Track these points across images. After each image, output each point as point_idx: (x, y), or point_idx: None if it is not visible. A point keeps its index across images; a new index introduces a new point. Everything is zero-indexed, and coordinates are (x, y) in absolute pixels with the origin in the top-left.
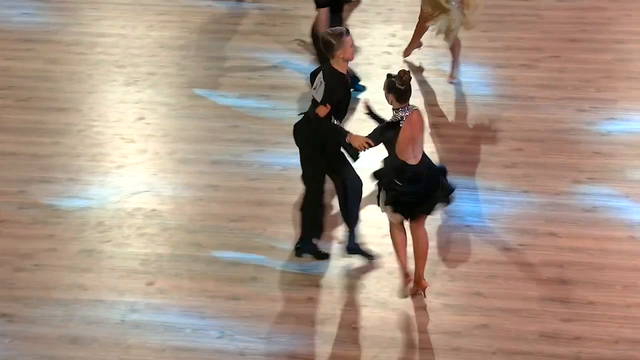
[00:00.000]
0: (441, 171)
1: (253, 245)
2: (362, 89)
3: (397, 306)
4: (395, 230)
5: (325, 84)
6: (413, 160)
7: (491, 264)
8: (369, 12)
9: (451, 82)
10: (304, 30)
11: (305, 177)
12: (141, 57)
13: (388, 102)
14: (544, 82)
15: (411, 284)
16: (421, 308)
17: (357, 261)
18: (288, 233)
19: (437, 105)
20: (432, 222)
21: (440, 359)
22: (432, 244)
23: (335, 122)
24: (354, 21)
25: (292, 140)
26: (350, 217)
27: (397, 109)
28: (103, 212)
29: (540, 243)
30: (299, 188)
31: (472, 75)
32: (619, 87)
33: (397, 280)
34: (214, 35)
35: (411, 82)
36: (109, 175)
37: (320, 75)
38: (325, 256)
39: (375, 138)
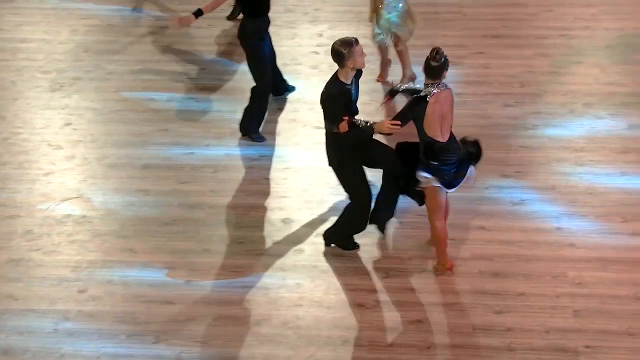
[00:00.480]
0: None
1: (187, 248)
2: (292, 88)
3: (331, 304)
4: (440, 220)
5: (321, 92)
6: (441, 137)
7: (423, 259)
8: (295, 13)
9: (379, 81)
10: (231, 32)
11: (346, 187)
12: (66, 62)
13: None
14: (470, 78)
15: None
16: (355, 305)
17: (290, 260)
18: (221, 235)
19: (365, 104)
20: None
21: (376, 356)
22: (365, 240)
23: (357, 124)
24: (281, 22)
25: (223, 141)
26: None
27: (428, 84)
28: (31, 220)
29: (471, 237)
30: (232, 189)
31: (399, 73)
32: (542, 81)
33: (331, 279)
34: (139, 38)
35: (446, 61)
36: (37, 182)
37: None
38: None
39: (404, 115)
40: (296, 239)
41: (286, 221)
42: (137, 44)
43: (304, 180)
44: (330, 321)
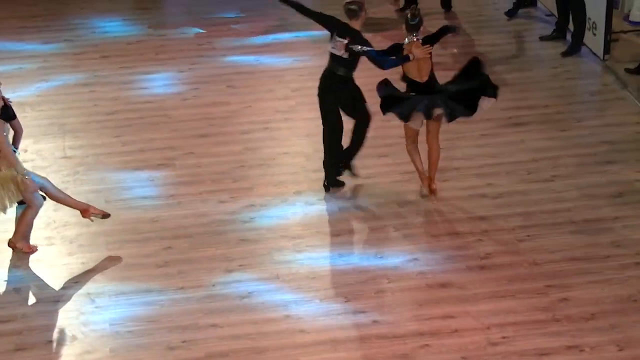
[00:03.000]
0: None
1: None
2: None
3: None
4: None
5: (351, 37)
6: (419, 79)
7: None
8: None
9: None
10: None
11: (331, 119)
12: None
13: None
14: (183, 179)
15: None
16: None
17: None
18: None
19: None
20: (97, 331)
21: None
22: (94, 356)
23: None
24: None
25: None
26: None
27: (406, 37)
28: None
29: (203, 336)
30: None
31: (110, 181)
32: (252, 174)
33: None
34: None
35: (420, 18)
36: None
37: (336, 36)
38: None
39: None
40: None
41: None
42: None
43: None
44: None
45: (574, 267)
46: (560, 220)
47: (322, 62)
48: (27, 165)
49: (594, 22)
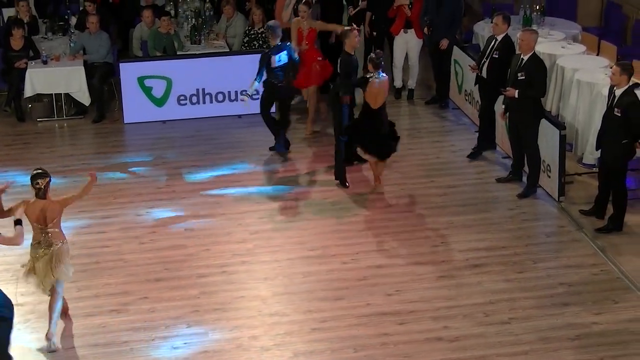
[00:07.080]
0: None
1: None
2: None
3: None
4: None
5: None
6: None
7: None
8: None
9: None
10: None
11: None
12: None
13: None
14: (136, 324)
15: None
16: None
17: None
18: None
19: None
20: None
21: None
22: None
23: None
24: None
25: None
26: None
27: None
28: None
29: None
30: None
31: (67, 328)
32: (208, 319)
33: None
34: None
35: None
36: None
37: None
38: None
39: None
40: None
41: None
42: None
43: None
44: None
45: None
46: None
47: (284, 206)
48: None
49: (548, 165)
